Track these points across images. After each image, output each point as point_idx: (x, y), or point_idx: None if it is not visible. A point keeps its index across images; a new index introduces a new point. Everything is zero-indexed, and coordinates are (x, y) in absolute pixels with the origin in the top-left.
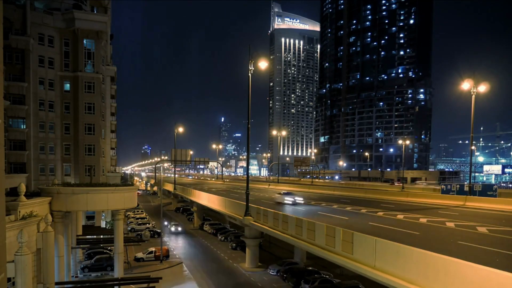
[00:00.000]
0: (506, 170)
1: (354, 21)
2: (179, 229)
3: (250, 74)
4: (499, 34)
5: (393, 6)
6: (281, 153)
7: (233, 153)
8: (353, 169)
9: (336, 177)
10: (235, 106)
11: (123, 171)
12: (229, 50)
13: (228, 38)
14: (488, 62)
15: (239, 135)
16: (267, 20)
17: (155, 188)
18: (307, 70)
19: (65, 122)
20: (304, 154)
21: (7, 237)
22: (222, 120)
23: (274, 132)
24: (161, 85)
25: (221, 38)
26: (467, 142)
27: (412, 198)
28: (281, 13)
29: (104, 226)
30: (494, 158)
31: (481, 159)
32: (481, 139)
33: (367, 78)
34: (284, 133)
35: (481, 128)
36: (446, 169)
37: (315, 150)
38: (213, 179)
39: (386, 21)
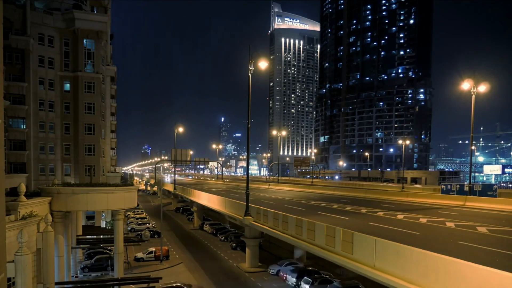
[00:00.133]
0: (506, 170)
1: (354, 21)
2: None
3: (250, 74)
4: (499, 34)
5: (393, 6)
6: (281, 153)
7: (233, 153)
8: (353, 169)
9: (336, 177)
10: (235, 106)
11: (123, 171)
12: (229, 50)
13: (228, 38)
14: (488, 62)
15: (239, 135)
16: (267, 20)
17: (155, 188)
18: (307, 70)
19: (65, 122)
20: (304, 154)
21: (7, 237)
22: (222, 120)
23: (274, 132)
24: (161, 85)
25: (221, 38)
26: (467, 142)
27: (412, 198)
28: (281, 13)
29: (104, 226)
30: (494, 158)
31: (481, 159)
32: (481, 139)
33: (367, 78)
34: (284, 133)
35: (481, 128)
36: (446, 169)
37: (315, 150)
38: (213, 179)
39: (386, 21)
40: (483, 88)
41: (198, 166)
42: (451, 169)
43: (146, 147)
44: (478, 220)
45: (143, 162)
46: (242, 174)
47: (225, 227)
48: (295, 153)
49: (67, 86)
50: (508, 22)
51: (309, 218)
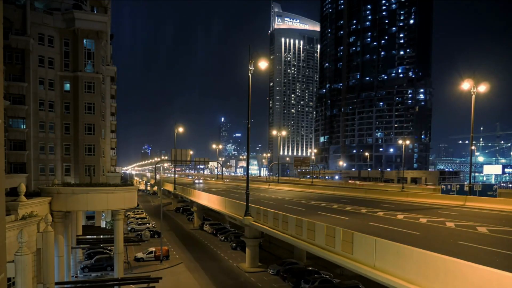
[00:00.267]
0: (506, 170)
1: (354, 21)
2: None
3: (250, 74)
4: (499, 34)
5: (393, 6)
6: (281, 153)
7: (233, 153)
8: (353, 169)
9: (336, 177)
10: (235, 106)
11: (123, 171)
12: (229, 50)
13: (228, 38)
14: (488, 62)
15: (239, 135)
16: (267, 20)
17: (155, 188)
18: (307, 70)
19: (65, 122)
20: (304, 154)
21: (7, 237)
22: (222, 120)
23: (274, 132)
24: (161, 85)
25: (221, 38)
26: (467, 142)
27: (412, 198)
28: (281, 13)
29: (104, 226)
30: (494, 158)
31: (481, 159)
32: (481, 139)
33: (367, 78)
34: (284, 133)
35: (481, 128)
36: (446, 169)
37: (315, 150)
38: (213, 179)
39: (386, 21)
40: (483, 88)
41: (198, 166)
42: (451, 169)
43: (146, 147)
44: (478, 220)
45: (143, 162)
46: (242, 174)
47: (225, 227)
48: (295, 153)
49: (67, 86)
50: (508, 22)
51: (309, 218)
